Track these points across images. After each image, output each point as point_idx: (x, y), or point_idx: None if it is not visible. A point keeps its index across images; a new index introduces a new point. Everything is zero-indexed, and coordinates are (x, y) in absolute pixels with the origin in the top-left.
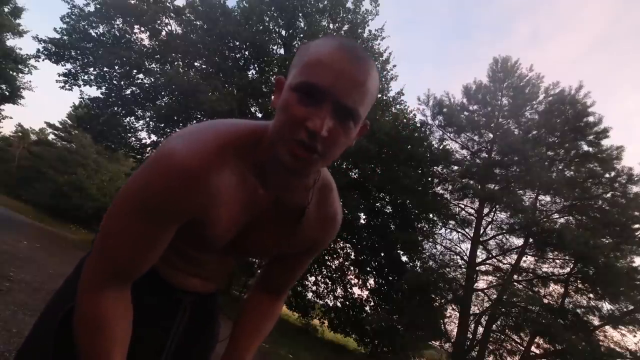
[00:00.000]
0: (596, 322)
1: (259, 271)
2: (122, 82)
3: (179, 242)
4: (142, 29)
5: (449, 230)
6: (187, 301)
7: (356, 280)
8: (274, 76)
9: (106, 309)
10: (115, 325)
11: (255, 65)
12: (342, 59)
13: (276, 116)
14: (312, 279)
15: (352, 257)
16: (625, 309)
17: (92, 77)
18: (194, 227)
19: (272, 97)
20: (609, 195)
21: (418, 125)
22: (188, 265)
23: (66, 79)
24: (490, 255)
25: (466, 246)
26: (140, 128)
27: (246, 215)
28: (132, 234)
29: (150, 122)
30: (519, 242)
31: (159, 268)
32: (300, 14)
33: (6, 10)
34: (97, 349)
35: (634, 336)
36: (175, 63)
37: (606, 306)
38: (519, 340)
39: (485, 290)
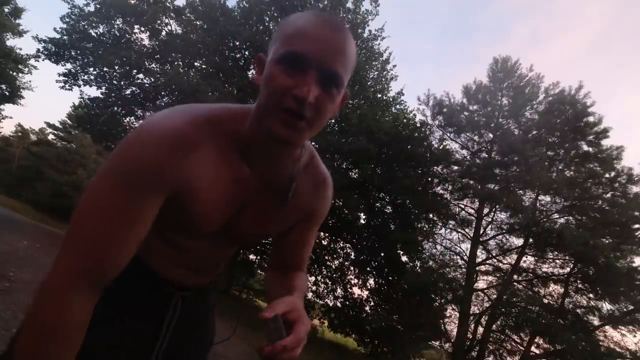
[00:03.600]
0: (596, 322)
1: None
2: (122, 82)
3: (167, 230)
4: (142, 29)
5: (449, 230)
6: (179, 296)
7: (356, 280)
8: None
9: (71, 316)
10: (75, 334)
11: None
12: (323, 27)
13: (261, 91)
14: (312, 279)
15: (352, 257)
16: (625, 309)
17: (92, 77)
18: (178, 206)
19: (254, 72)
20: (609, 195)
21: (418, 125)
22: (179, 256)
23: (66, 79)
24: (490, 255)
25: (466, 246)
26: None
27: (232, 195)
28: (109, 209)
29: None
30: (519, 242)
31: (148, 260)
32: None
33: (6, 10)
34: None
35: (634, 336)
36: (175, 63)
37: (606, 306)
38: (519, 340)
39: (485, 290)
